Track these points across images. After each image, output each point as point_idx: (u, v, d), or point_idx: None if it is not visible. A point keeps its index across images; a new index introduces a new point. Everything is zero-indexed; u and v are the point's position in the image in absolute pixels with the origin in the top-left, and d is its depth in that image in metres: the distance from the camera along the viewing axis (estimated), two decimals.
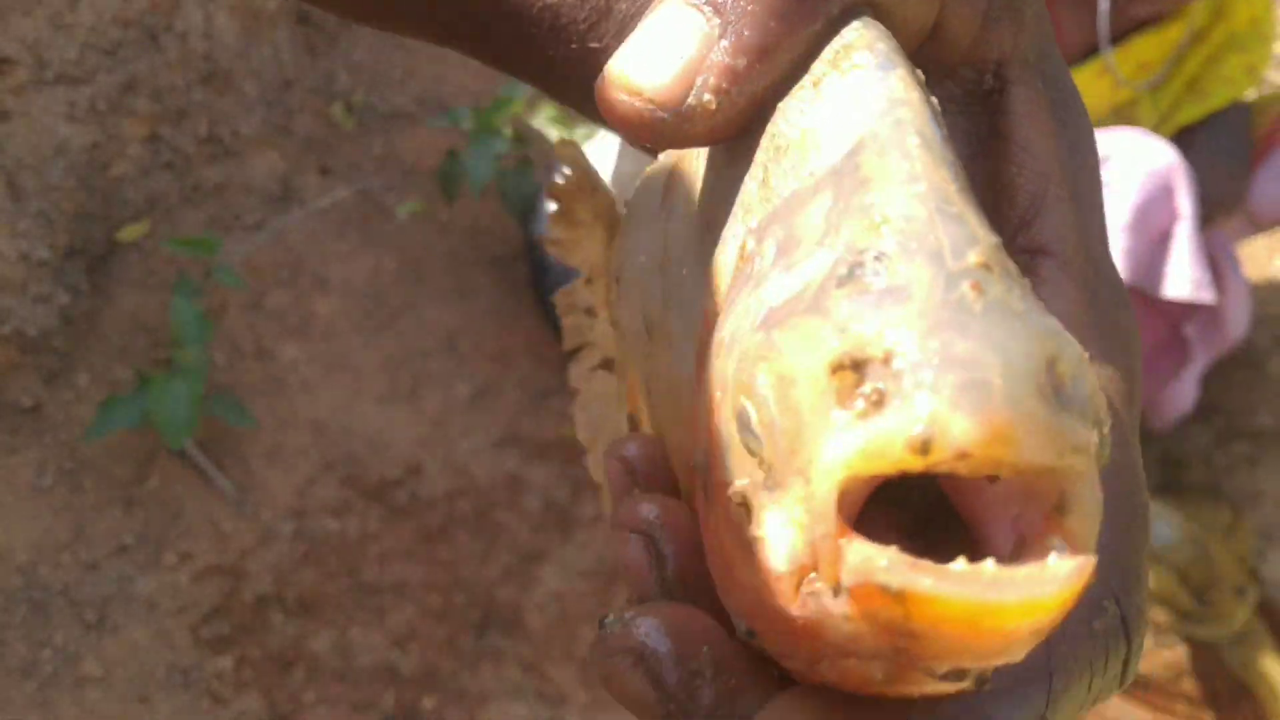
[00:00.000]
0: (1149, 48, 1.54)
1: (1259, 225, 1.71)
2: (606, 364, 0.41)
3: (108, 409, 1.35)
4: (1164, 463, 1.91)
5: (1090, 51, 1.51)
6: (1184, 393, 1.80)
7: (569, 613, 1.49)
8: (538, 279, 1.62)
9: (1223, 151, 1.64)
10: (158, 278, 1.59)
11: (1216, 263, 1.73)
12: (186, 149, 1.64)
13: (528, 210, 1.64)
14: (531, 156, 1.71)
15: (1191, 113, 1.63)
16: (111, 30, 1.44)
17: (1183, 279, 1.43)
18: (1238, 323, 1.76)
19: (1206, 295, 1.42)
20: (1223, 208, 1.64)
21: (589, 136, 1.62)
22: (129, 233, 1.57)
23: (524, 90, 1.62)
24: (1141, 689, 1.59)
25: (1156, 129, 1.58)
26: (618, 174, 1.57)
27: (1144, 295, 1.47)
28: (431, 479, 1.56)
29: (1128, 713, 1.51)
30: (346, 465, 1.53)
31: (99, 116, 1.52)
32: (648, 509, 0.29)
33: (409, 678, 1.38)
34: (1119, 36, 1.51)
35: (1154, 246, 1.47)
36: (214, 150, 1.69)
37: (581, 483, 1.62)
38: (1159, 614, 1.66)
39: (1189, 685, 1.63)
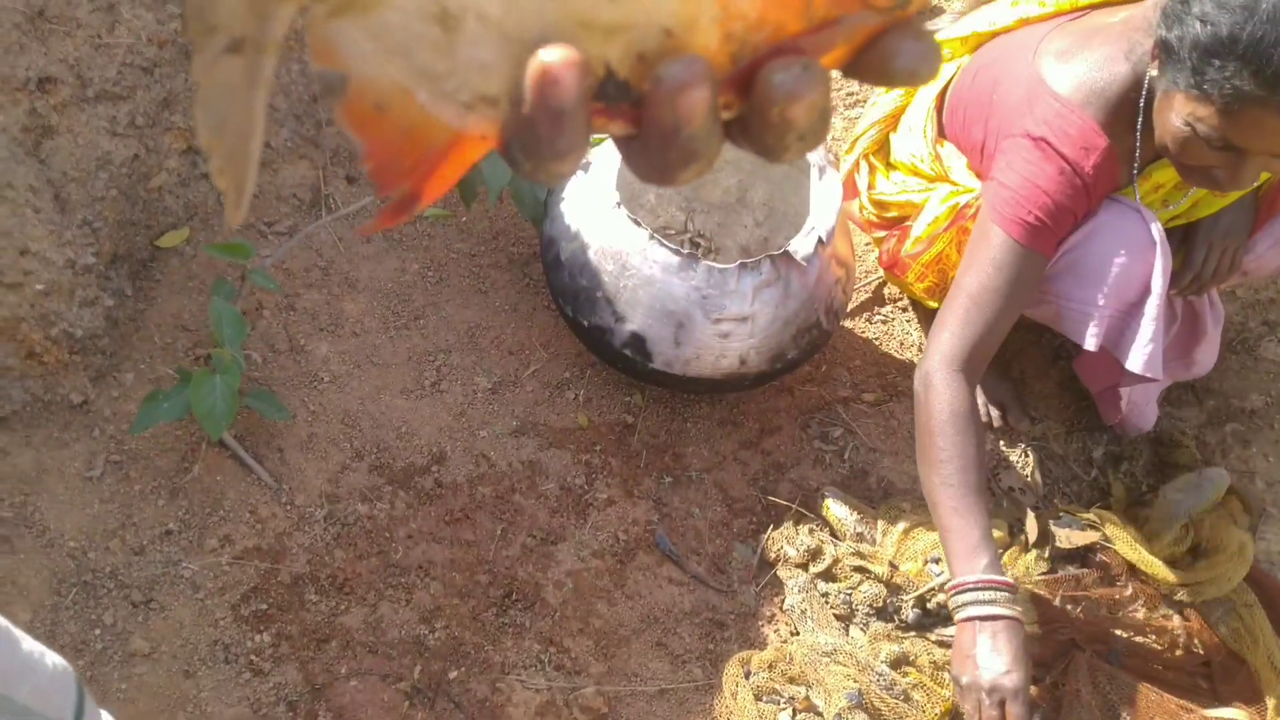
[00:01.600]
0: (1164, 175, 1.60)
1: (1249, 277, 1.78)
2: (236, 46, 0.34)
3: (152, 404, 1.45)
4: (1157, 442, 1.98)
5: (1129, 183, 1.60)
6: (1145, 414, 1.89)
7: (584, 590, 1.58)
8: (549, 274, 1.71)
9: (1225, 231, 1.69)
10: (197, 281, 1.69)
11: (1197, 310, 1.81)
12: None
13: (542, 213, 1.73)
14: None
15: (1213, 208, 1.68)
16: (148, 49, 1.54)
17: (1140, 355, 1.53)
18: (1203, 364, 1.85)
19: (1156, 374, 1.52)
20: (1218, 278, 1.70)
21: (600, 141, 1.70)
22: (169, 239, 1.68)
23: None
24: (1136, 659, 1.65)
25: (1169, 223, 1.64)
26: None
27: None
28: (455, 466, 1.65)
29: (1124, 682, 1.57)
30: (375, 454, 1.63)
31: (139, 131, 1.62)
32: None
33: (435, 651, 1.47)
34: (1149, 160, 1.57)
35: (1124, 316, 1.55)
36: None
37: (596, 469, 1.71)
38: (1153, 584, 1.73)
39: (1183, 656, 1.69)
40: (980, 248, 1.56)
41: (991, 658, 1.38)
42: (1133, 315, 1.56)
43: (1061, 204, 1.52)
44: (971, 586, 1.40)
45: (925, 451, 1.50)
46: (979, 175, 1.71)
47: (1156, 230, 1.53)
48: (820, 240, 1.63)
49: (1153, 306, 1.54)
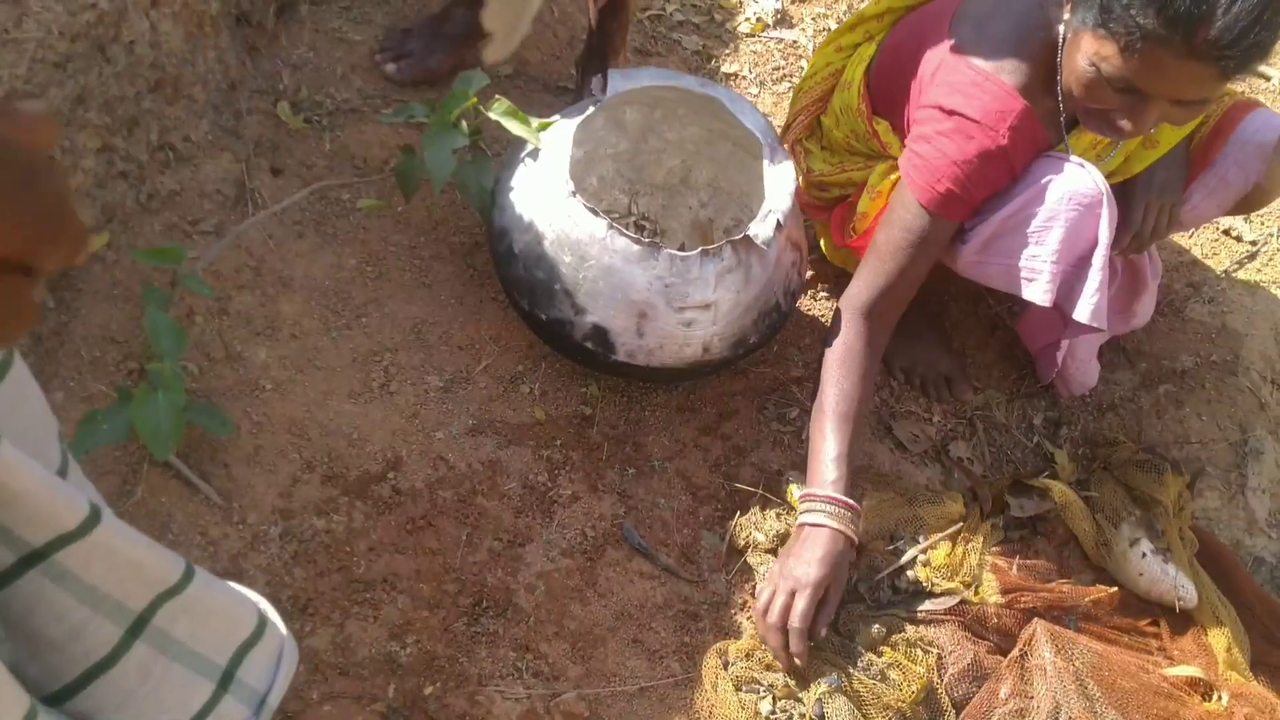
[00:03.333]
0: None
1: (1184, 228, 1.82)
2: None
3: (90, 426, 1.35)
4: (1098, 408, 2.03)
5: (1060, 141, 1.61)
6: (1089, 370, 1.93)
7: (555, 591, 1.54)
8: (500, 267, 1.65)
9: (1161, 188, 1.73)
10: (122, 289, 1.58)
11: (1137, 265, 1.85)
12: (140, 157, 1.63)
13: (490, 203, 1.67)
14: (486, 148, 1.72)
15: (1145, 162, 1.71)
16: (59, 44, 1.42)
17: (1087, 305, 1.58)
18: (1143, 315, 1.93)
19: (1101, 324, 1.58)
20: (1156, 234, 1.74)
21: (546, 126, 1.64)
22: (89, 245, 1.56)
23: (478, 83, 1.64)
24: (1093, 623, 1.70)
25: (1109, 178, 1.66)
26: (573, 160, 1.60)
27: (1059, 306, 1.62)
28: (411, 470, 1.59)
29: (1085, 647, 1.61)
30: (327, 463, 1.55)
31: None
32: None
33: (408, 667, 1.42)
34: (1075, 122, 1.59)
35: (1075, 270, 1.58)
36: (167, 157, 1.68)
37: (558, 464, 1.66)
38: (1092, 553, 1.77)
39: (1135, 617, 1.74)
40: (896, 207, 1.63)
41: (801, 555, 1.51)
42: (1081, 268, 1.59)
43: (974, 174, 1.54)
44: (814, 498, 1.54)
45: (820, 381, 1.63)
46: None
47: (1100, 181, 1.56)
48: (778, 223, 1.61)
49: (1099, 257, 1.56)
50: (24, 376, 0.74)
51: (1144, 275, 1.87)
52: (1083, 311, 1.57)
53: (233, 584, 0.88)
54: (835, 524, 1.51)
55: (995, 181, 1.57)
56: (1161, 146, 1.70)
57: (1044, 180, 1.56)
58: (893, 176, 1.74)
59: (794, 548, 1.53)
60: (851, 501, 1.54)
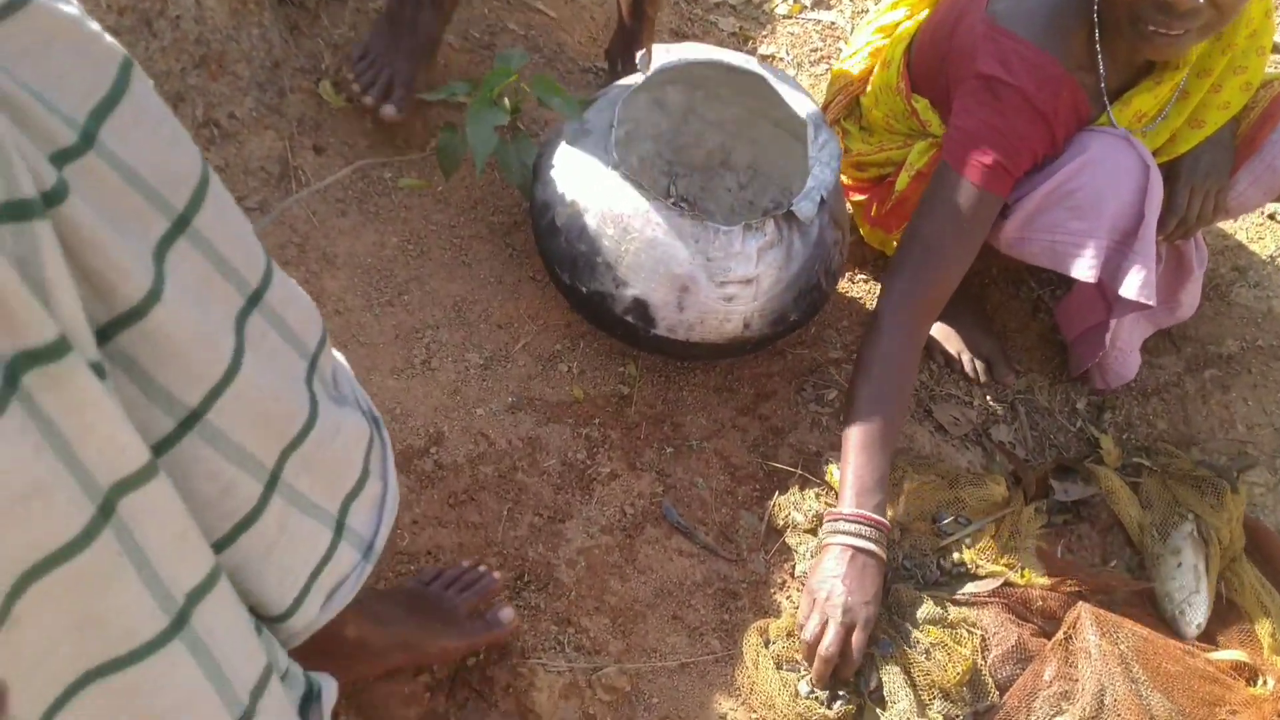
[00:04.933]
0: (1144, 102, 1.62)
1: (1230, 216, 1.79)
2: None
3: None
4: (1142, 393, 2.00)
5: (1101, 112, 1.60)
6: (1129, 362, 1.90)
7: (596, 567, 1.54)
8: (541, 241, 1.65)
9: (1206, 172, 1.70)
10: None
11: (1182, 251, 1.82)
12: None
13: (530, 179, 1.67)
14: (524, 126, 1.73)
15: (1191, 143, 1.68)
16: (107, 17, 1.44)
17: (1135, 281, 1.54)
18: (1188, 306, 1.88)
19: (1150, 299, 1.54)
20: (1201, 220, 1.71)
21: (587, 102, 1.64)
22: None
23: (519, 61, 1.64)
24: (1135, 608, 1.68)
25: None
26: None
27: (1103, 287, 1.59)
28: (453, 446, 1.59)
29: (1129, 631, 1.58)
30: None
31: None
32: None
33: None
34: (1124, 89, 1.58)
35: (1120, 245, 1.56)
36: (212, 134, 1.69)
37: (597, 442, 1.66)
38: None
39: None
40: (936, 192, 1.59)
41: (858, 585, 1.45)
42: (1126, 244, 1.57)
43: (1018, 141, 1.52)
44: (860, 520, 1.47)
45: (854, 384, 1.57)
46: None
47: (1145, 154, 1.54)
48: (822, 199, 1.60)
49: (1147, 229, 1.54)
50: (220, 191, 0.78)
51: (1189, 262, 1.84)
52: (1130, 286, 1.54)
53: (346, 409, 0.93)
54: (884, 554, 1.48)
55: (1038, 149, 1.56)
56: (1208, 127, 1.67)
57: (1087, 153, 1.54)
58: (932, 154, 1.73)
59: (841, 571, 1.45)
60: (890, 526, 1.51)
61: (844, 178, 1.92)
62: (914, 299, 1.57)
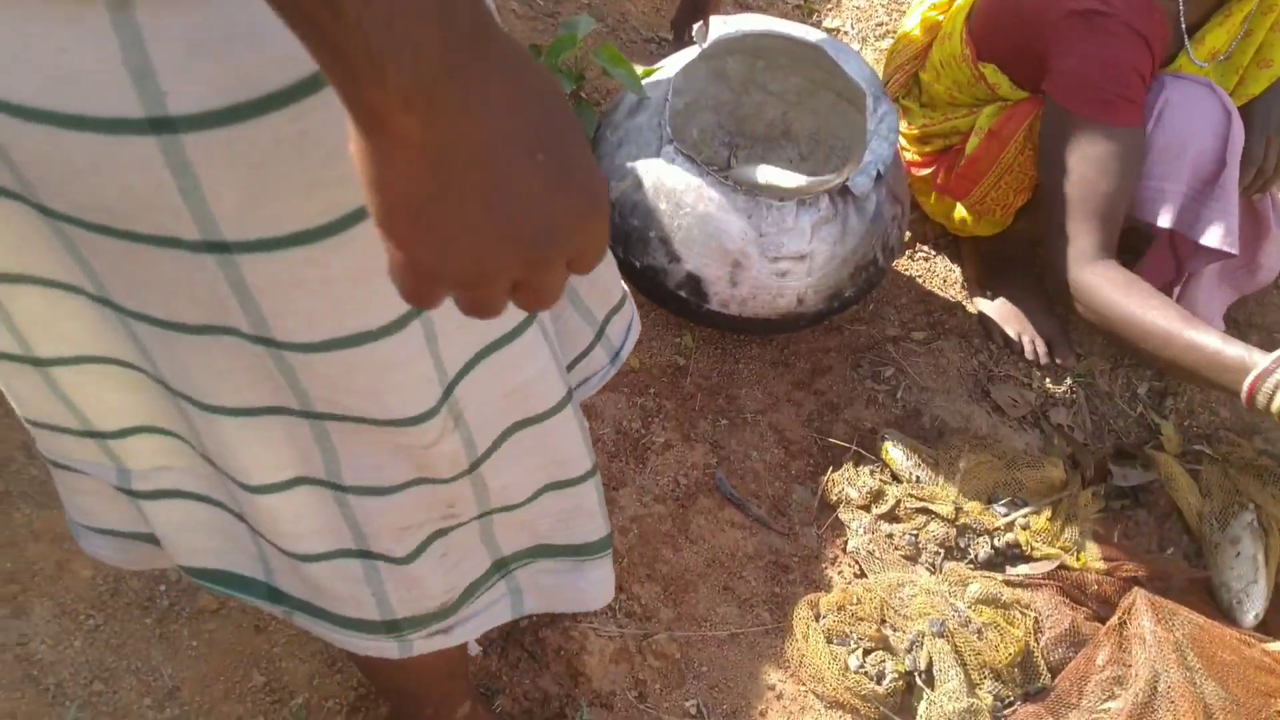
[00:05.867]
0: (1217, 38, 1.59)
1: None
2: None
3: None
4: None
5: (1179, 49, 1.58)
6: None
7: (648, 535, 1.55)
8: None
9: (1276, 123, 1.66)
10: None
11: (1258, 208, 1.78)
12: None
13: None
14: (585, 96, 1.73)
15: (1260, 84, 1.65)
16: None
17: (1217, 231, 1.50)
18: (1269, 269, 1.83)
19: (1233, 248, 1.50)
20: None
21: (650, 73, 1.64)
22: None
23: (585, 28, 1.64)
24: (1191, 595, 1.65)
25: None
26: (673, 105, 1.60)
27: (1176, 238, 1.55)
28: None
29: (1185, 618, 1.57)
30: None
31: None
32: None
33: None
34: (1197, 25, 1.56)
35: (1199, 194, 1.53)
36: None
37: (652, 412, 1.67)
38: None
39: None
40: (1067, 148, 1.54)
41: None
42: (1205, 193, 1.54)
43: (1129, 67, 1.50)
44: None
45: (1130, 323, 1.46)
46: (1025, 85, 1.68)
47: (1227, 101, 1.51)
48: (879, 174, 1.58)
49: (1229, 178, 1.52)
50: None
51: (1266, 220, 1.79)
52: (1213, 236, 1.51)
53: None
54: None
55: (1145, 72, 1.53)
56: (1275, 65, 1.64)
57: (1166, 99, 1.52)
58: (1001, 114, 1.71)
59: None
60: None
61: (907, 154, 1.90)
62: (1094, 250, 1.51)
